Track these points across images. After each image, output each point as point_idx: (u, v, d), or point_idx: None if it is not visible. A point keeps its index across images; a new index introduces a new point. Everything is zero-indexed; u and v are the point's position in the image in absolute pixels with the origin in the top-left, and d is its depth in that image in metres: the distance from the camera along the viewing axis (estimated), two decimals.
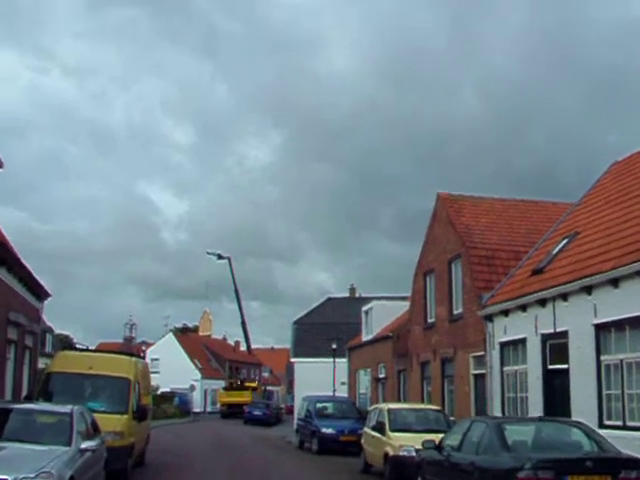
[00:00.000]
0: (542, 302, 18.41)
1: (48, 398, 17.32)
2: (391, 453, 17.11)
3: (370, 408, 21.73)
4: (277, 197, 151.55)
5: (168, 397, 69.65)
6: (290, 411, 61.13)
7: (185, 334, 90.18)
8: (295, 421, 34.02)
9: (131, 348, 66.46)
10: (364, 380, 38.29)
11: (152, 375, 69.28)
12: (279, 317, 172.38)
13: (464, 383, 23.45)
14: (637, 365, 14.54)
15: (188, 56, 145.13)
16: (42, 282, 26.56)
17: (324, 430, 27.46)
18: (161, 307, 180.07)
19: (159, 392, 68.19)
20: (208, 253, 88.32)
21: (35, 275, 26.28)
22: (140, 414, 17.74)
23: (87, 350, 19.96)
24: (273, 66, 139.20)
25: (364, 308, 38.41)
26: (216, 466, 22.07)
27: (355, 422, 28.38)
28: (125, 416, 17.10)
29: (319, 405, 30.53)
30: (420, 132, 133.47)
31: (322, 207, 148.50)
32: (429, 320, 27.66)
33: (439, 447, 12.75)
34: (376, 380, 34.83)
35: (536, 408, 18.14)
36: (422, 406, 21.30)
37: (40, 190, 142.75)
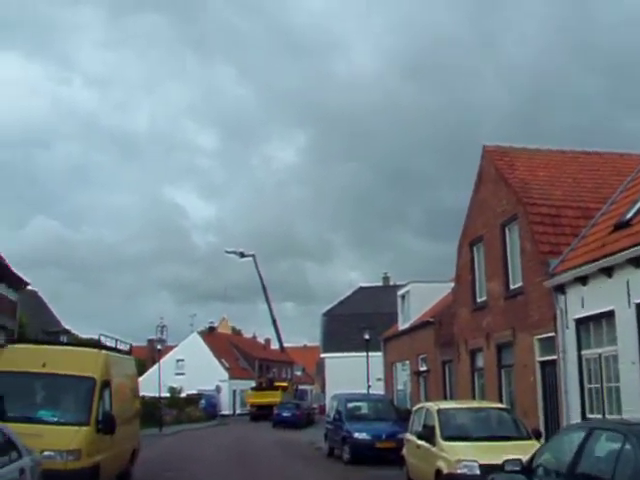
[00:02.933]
0: (636, 261, 13.78)
1: None
2: (445, 470, 12.46)
3: (414, 408, 17.07)
4: (304, 197, 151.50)
5: (193, 400, 65.65)
6: (324, 411, 56.79)
7: (212, 333, 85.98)
8: (325, 424, 29.51)
9: (154, 351, 62.29)
10: (402, 375, 33.78)
11: (177, 377, 66.66)
12: (312, 317, 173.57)
13: (528, 373, 18.82)
14: None
15: (211, 61, 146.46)
16: (16, 271, 22.76)
17: (357, 435, 22.85)
18: (192, 310, 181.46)
19: (184, 395, 64.60)
20: (227, 252, 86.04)
21: (7, 262, 22.65)
22: (106, 425, 13.33)
23: (43, 342, 15.58)
24: (296, 68, 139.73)
25: (400, 292, 33.84)
26: None
27: (393, 425, 23.81)
28: (85, 428, 12.82)
29: (350, 405, 25.87)
30: (444, 126, 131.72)
31: (350, 205, 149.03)
32: (479, 299, 23.05)
33: (529, 470, 8.14)
34: (416, 374, 30.22)
35: (633, 402, 13.55)
36: (482, 405, 16.44)
37: (68, 199, 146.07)
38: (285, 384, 71.80)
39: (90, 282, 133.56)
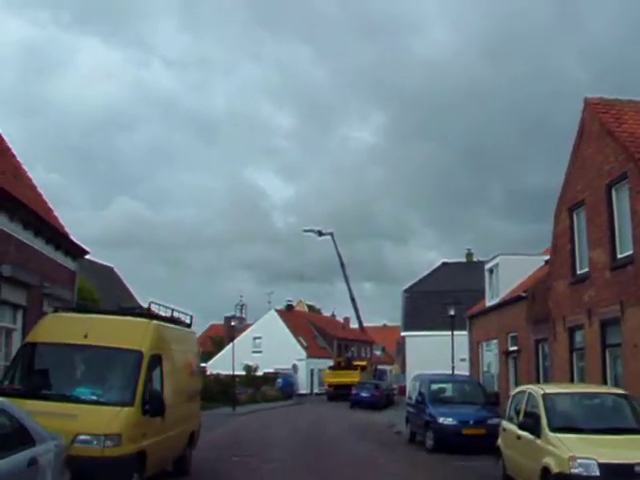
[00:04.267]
0: None
1: (21, 381, 11.69)
2: (555, 469, 10.15)
3: (512, 392, 14.71)
4: (382, 177, 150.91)
5: (270, 378, 64.40)
6: (403, 392, 54.69)
7: (289, 311, 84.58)
8: (405, 406, 27.37)
9: (233, 328, 61.01)
10: (489, 355, 31.34)
11: (254, 355, 65.60)
12: (391, 297, 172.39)
13: (639, 354, 16.31)
14: None
15: (287, 42, 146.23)
16: (74, 238, 21.39)
17: (442, 420, 20.61)
18: (272, 290, 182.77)
19: (260, 373, 63.43)
20: (305, 231, 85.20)
21: (66, 230, 21.29)
22: (154, 405, 11.54)
23: (89, 311, 13.86)
24: (373, 47, 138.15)
25: (487, 266, 31.28)
26: (287, 473, 15.90)
27: (482, 409, 21.59)
28: (127, 409, 11.07)
29: (434, 387, 23.53)
30: (522, 103, 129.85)
31: (428, 185, 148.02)
32: (579, 271, 20.49)
33: None
34: (505, 354, 27.74)
35: None
36: (596, 389, 13.91)
37: (150, 180, 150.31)
38: (364, 363, 69.99)
39: (171, 262, 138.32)
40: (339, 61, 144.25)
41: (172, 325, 14.54)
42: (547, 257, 27.37)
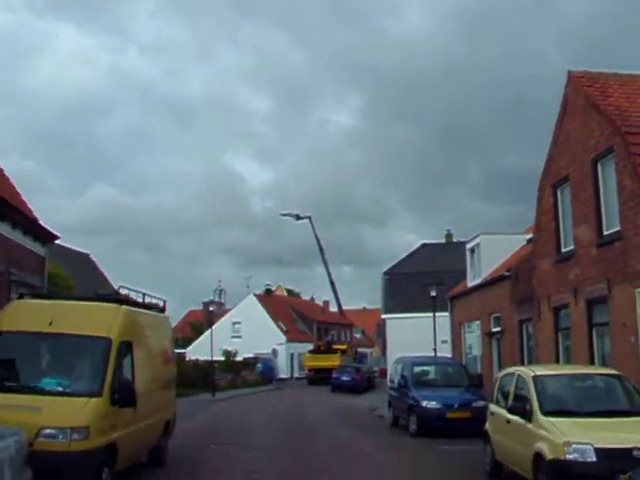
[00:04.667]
0: None
1: None
2: (549, 455, 9.60)
3: (499, 374, 14.14)
4: (361, 160, 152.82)
5: (249, 363, 63.80)
6: (384, 375, 54.35)
7: (268, 295, 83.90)
8: (387, 390, 26.90)
9: (211, 314, 60.34)
10: (471, 336, 30.91)
11: (233, 340, 64.93)
12: (370, 280, 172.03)
13: (627, 333, 15.83)
14: None
15: (263, 25, 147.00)
16: (44, 224, 20.70)
17: (425, 404, 20.12)
18: (251, 275, 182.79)
19: (240, 358, 62.86)
20: (282, 215, 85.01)
21: (35, 214, 20.61)
22: (124, 395, 10.88)
23: (54, 297, 13.11)
24: (349, 30, 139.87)
25: (469, 245, 30.76)
26: (267, 461, 15.33)
27: (466, 392, 21.18)
28: (95, 400, 10.40)
29: (417, 369, 23.03)
30: (497, 83, 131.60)
31: (406, 167, 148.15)
32: (564, 249, 20.01)
33: None
34: (488, 335, 27.32)
35: None
36: (588, 370, 13.29)
37: (128, 165, 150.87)
38: (344, 347, 69.66)
39: (150, 248, 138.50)
40: (315, 44, 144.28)
41: (144, 310, 13.87)
42: (529, 236, 26.92)
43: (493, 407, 13.08)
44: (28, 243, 19.64)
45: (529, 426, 10.64)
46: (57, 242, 47.50)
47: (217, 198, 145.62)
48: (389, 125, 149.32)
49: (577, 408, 10.74)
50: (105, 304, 12.19)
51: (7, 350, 11.31)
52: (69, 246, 52.59)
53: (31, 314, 11.71)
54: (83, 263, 53.24)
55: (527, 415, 10.75)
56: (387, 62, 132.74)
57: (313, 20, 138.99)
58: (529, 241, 26.79)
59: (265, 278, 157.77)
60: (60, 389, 10.53)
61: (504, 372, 13.62)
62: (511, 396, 11.98)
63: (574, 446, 9.38)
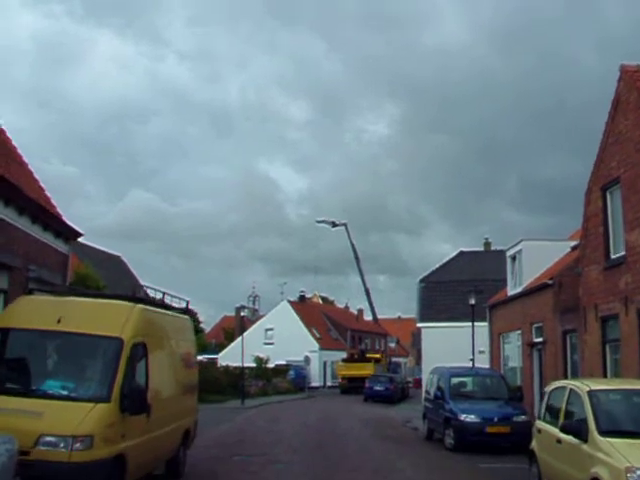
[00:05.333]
0: None
1: None
2: None
3: (548, 388, 12.85)
4: (397, 170, 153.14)
5: (281, 370, 62.85)
6: (418, 385, 53.10)
7: (302, 302, 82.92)
8: (422, 401, 25.70)
9: (242, 319, 59.41)
10: (511, 347, 29.56)
11: (265, 347, 64.11)
12: (406, 290, 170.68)
13: None
14: None
15: (300, 33, 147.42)
16: (67, 220, 19.94)
17: (463, 417, 18.93)
18: (285, 281, 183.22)
19: (272, 365, 62.03)
20: (318, 222, 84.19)
21: (57, 211, 19.85)
22: (134, 401, 9.93)
23: (66, 293, 12.19)
24: (385, 40, 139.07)
25: (510, 252, 29.43)
26: (292, 478, 14.29)
27: (506, 405, 19.97)
28: (102, 405, 9.45)
29: (455, 380, 21.83)
30: (533, 92, 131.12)
31: (442, 177, 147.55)
32: (614, 255, 18.71)
33: None
34: (529, 346, 25.99)
35: None
36: None
37: (164, 172, 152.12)
38: (378, 356, 68.43)
39: (186, 254, 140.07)
40: (352, 53, 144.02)
41: (163, 311, 12.94)
42: (574, 243, 25.66)
43: (540, 424, 11.86)
44: (49, 239, 18.84)
45: (584, 447, 9.44)
46: (90, 244, 47.46)
47: (253, 205, 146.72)
48: (425, 135, 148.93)
49: (638, 428, 9.53)
50: (118, 302, 11.26)
51: (10, 349, 10.47)
52: (101, 248, 52.81)
53: (39, 311, 10.83)
54: (115, 265, 53.05)
55: (582, 435, 9.53)
56: (423, 72, 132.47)
57: (350, 29, 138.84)
58: (574, 248, 25.50)
59: (300, 286, 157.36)
60: (64, 393, 9.62)
61: (554, 386, 12.39)
62: (562, 413, 10.76)
63: (638, 472, 8.20)
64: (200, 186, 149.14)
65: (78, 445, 8.83)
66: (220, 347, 74.87)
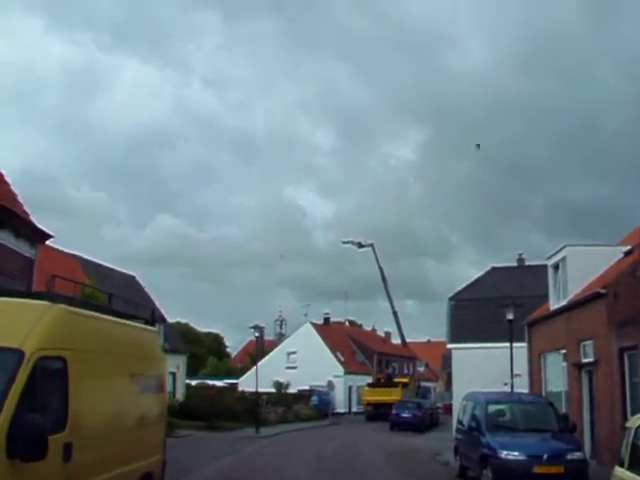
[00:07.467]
0: None
1: None
2: None
3: (630, 423, 9.35)
4: (423, 194, 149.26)
5: (304, 396, 59.53)
6: (448, 411, 49.56)
7: (327, 324, 79.52)
8: (454, 432, 22.25)
9: (261, 341, 55.71)
10: (554, 369, 26.01)
11: (288, 371, 60.98)
12: (434, 314, 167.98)
13: None
14: None
15: (325, 59, 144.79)
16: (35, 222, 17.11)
17: (504, 454, 15.32)
18: (309, 303, 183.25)
19: (295, 390, 58.82)
20: (344, 242, 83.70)
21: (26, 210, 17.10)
22: (26, 443, 6.70)
23: None
24: (409, 63, 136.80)
25: (552, 261, 25.94)
26: None
27: (556, 439, 16.47)
28: None
29: (492, 408, 18.16)
30: (558, 113, 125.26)
31: (469, 201, 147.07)
32: None
33: None
34: (577, 367, 22.46)
35: None
36: None
37: (191, 198, 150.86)
38: (406, 380, 65.03)
39: (213, 279, 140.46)
40: (377, 78, 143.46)
41: (108, 317, 9.76)
42: (627, 247, 22.34)
43: (622, 472, 8.49)
44: (9, 242, 15.93)
45: None
46: (104, 264, 45.45)
47: (279, 231, 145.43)
48: (451, 159, 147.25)
49: None
50: (29, 301, 8.13)
51: None
52: (115, 268, 50.95)
53: None
54: (128, 284, 50.84)
55: None
56: (448, 96, 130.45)
57: (375, 54, 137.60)
58: (627, 253, 22.15)
59: (328, 311, 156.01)
60: None
61: (637, 417, 9.01)
62: None
63: None
64: (227, 211, 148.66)
65: None
66: (244, 372, 72.11)
